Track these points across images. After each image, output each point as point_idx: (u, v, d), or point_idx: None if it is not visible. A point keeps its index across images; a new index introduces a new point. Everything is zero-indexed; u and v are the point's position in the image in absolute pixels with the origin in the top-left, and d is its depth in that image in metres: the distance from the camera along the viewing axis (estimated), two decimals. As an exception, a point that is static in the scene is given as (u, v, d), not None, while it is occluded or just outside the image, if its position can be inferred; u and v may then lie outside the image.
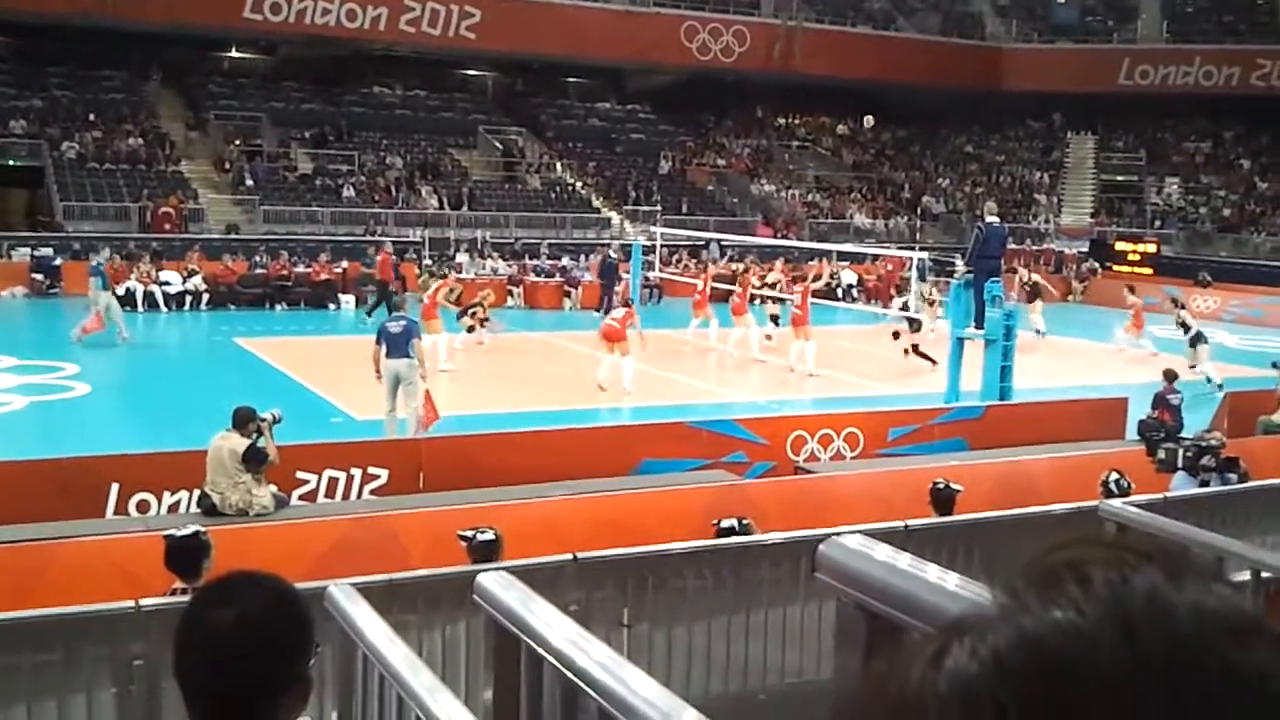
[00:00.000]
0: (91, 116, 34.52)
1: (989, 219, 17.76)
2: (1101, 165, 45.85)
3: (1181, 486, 8.57)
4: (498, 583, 2.85)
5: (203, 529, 6.74)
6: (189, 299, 26.45)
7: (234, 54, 40.45)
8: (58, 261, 27.81)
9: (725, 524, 7.68)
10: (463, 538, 7.18)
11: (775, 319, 22.05)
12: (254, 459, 9.97)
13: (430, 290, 20.75)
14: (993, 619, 0.51)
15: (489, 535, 7.17)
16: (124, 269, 25.56)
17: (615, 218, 37.32)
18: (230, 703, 1.89)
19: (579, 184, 39.15)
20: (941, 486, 8.48)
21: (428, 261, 30.58)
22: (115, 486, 10.31)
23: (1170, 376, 14.65)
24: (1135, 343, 21.87)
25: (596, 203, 38.36)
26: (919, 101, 46.85)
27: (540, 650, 2.64)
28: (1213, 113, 45.15)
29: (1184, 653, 0.48)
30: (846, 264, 32.28)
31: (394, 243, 31.80)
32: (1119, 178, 45.09)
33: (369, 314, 24.54)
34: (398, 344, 14.04)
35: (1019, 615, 0.50)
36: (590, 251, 32.06)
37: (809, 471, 12.47)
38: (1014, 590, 0.52)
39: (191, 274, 26.79)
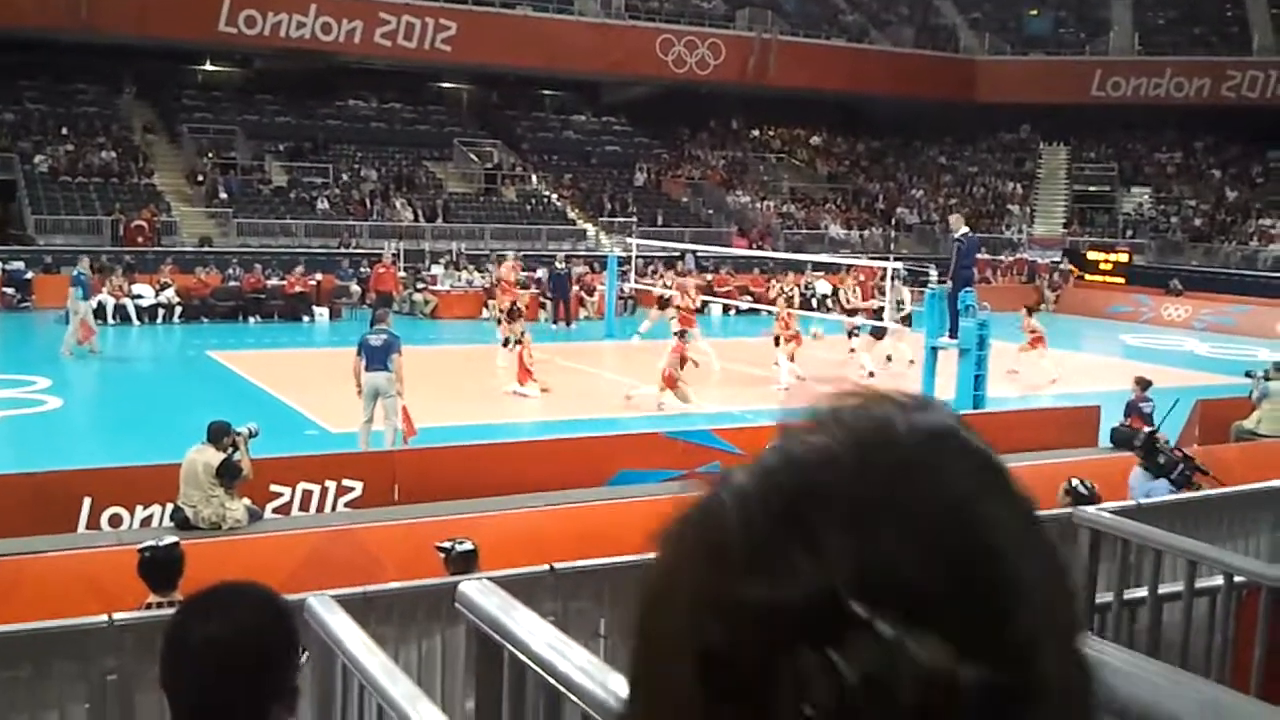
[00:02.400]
0: (64, 130, 34.31)
1: (961, 230, 17.88)
2: (1074, 175, 46.20)
3: (1156, 492, 8.60)
4: (480, 591, 2.85)
5: (179, 541, 6.70)
6: (161, 312, 26.30)
7: (208, 67, 40.31)
8: (29, 275, 27.62)
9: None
10: (441, 549, 7.16)
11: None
12: (228, 473, 9.90)
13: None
14: (771, 448, 0.64)
15: (468, 546, 7.16)
16: (96, 282, 25.38)
17: (591, 229, 37.34)
18: (220, 713, 1.89)
19: (554, 196, 39.16)
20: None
21: (402, 274, 30.53)
22: (87, 500, 10.23)
23: (1143, 384, 14.74)
24: (1038, 364, 21.98)
25: (572, 215, 38.37)
26: (893, 113, 47.13)
27: (523, 657, 2.63)
28: (1183, 123, 45.57)
29: (899, 464, 0.61)
30: (821, 274, 32.41)
31: (369, 255, 31.80)
32: (1091, 188, 45.44)
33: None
34: (377, 357, 13.99)
35: (788, 443, 0.63)
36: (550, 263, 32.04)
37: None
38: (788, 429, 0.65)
39: (164, 287, 26.64)
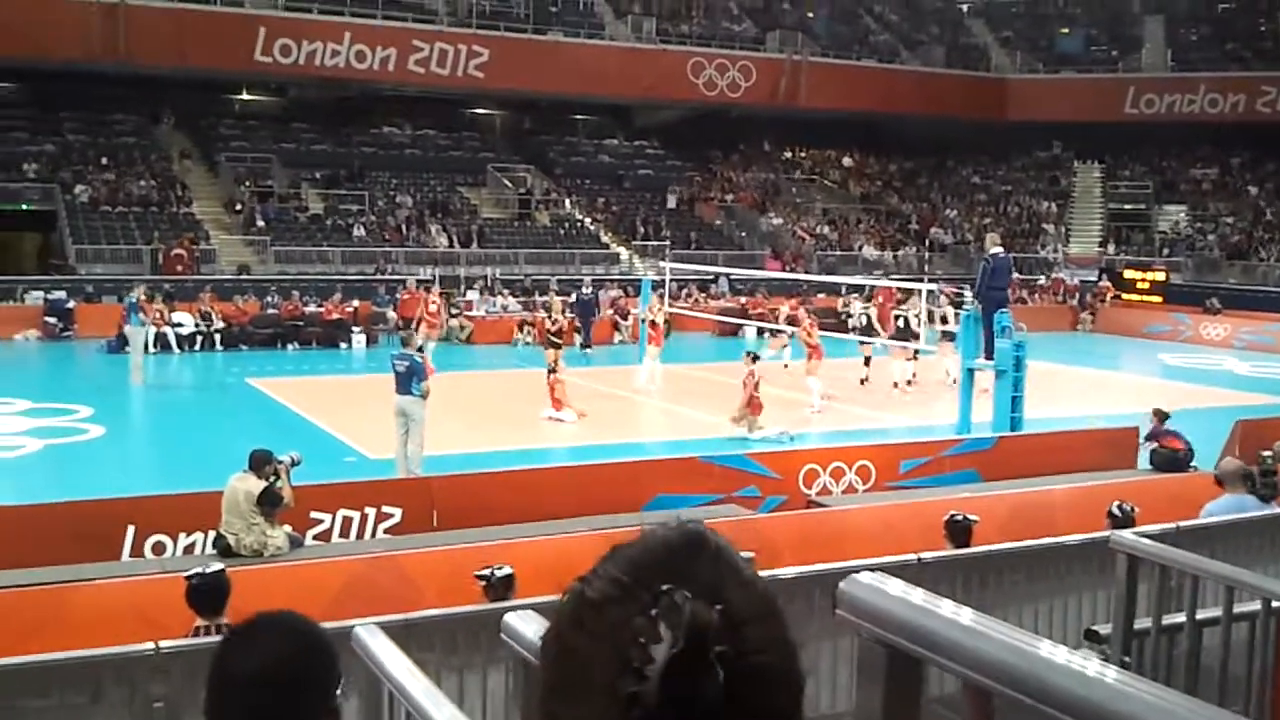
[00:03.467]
0: (104, 160, 34.83)
1: (994, 250, 17.81)
2: (1109, 194, 45.96)
3: (1245, 508, 8.34)
4: (525, 620, 2.90)
5: (224, 568, 6.80)
6: (200, 339, 26.61)
7: (245, 96, 40.82)
8: (70, 304, 28.01)
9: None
10: (480, 577, 7.22)
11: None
12: (269, 501, 10.02)
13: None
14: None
15: (506, 570, 7.22)
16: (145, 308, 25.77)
17: (624, 253, 37.49)
18: None
19: (588, 220, 39.34)
20: (959, 519, 8.44)
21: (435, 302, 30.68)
22: (131, 528, 10.37)
23: (1161, 416, 14.63)
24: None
25: (605, 238, 38.53)
26: (925, 133, 47.07)
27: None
28: (1218, 140, 45.29)
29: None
30: (856, 296, 32.33)
31: (404, 281, 32.03)
32: (1126, 206, 45.18)
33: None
34: (402, 381, 14.12)
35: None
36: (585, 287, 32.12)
37: (822, 505, 12.48)
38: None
39: (206, 317, 26.94)
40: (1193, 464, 14.25)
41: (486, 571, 7.23)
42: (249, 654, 2.01)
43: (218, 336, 26.82)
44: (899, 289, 24.13)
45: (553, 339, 20.56)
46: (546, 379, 18.61)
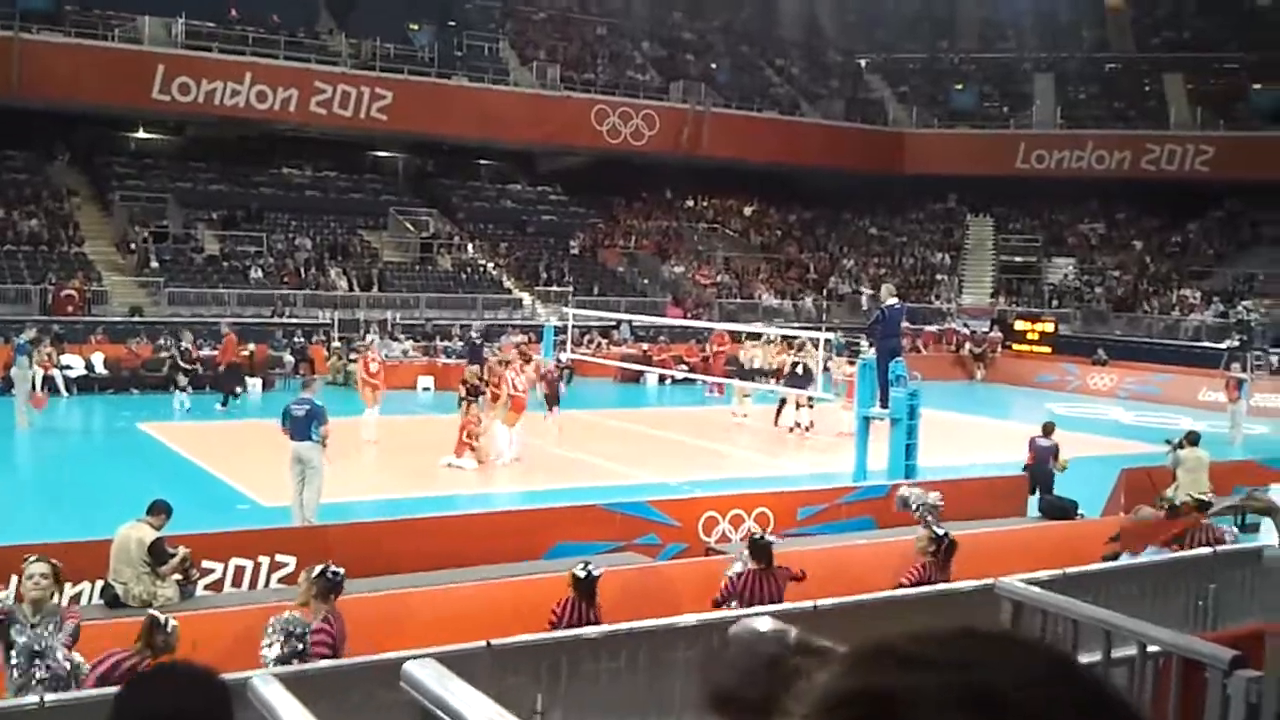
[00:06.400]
0: (-8, 197, 33.99)
1: (889, 300, 18.22)
2: (1000, 246, 47.26)
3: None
4: (423, 669, 2.94)
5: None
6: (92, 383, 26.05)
7: (141, 134, 40.17)
8: (-47, 345, 27.16)
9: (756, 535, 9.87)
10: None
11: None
12: (157, 556, 9.87)
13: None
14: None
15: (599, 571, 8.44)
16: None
17: (527, 298, 37.52)
18: None
19: (490, 265, 39.34)
20: (758, 538, 9.74)
21: (336, 344, 30.43)
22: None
23: (1047, 430, 16.16)
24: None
25: (508, 283, 38.54)
26: (824, 184, 48.02)
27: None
28: (1105, 195, 46.92)
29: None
30: (755, 344, 32.80)
31: (302, 325, 31.70)
32: (1017, 258, 46.49)
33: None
34: (300, 427, 13.93)
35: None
36: (501, 333, 32.07)
37: (721, 552, 12.58)
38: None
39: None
40: (1079, 512, 14.69)
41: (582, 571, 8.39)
42: (147, 701, 2.04)
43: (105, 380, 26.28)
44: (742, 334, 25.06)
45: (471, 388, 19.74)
46: (463, 417, 18.51)
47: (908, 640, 0.85)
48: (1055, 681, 0.82)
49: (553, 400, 21.35)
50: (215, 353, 27.92)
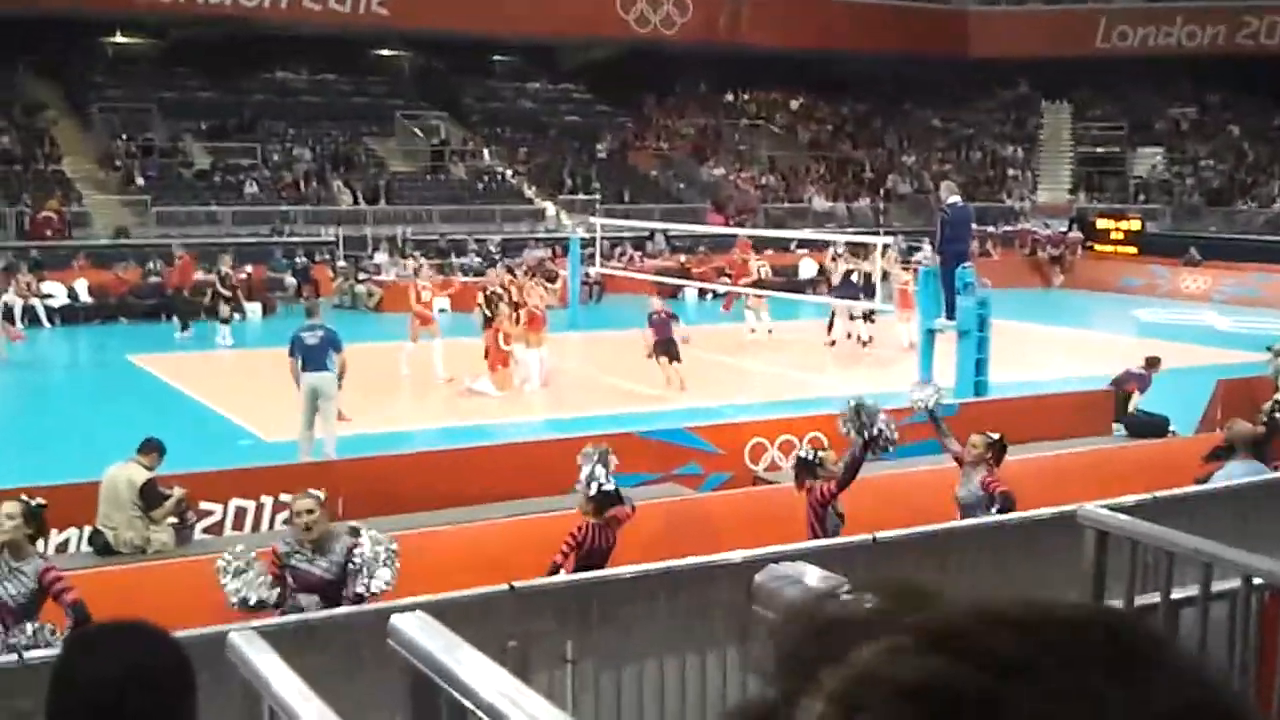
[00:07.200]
0: (-42, 113, 34.06)
1: (951, 199, 17.90)
2: (1079, 136, 46.48)
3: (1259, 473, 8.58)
4: (415, 625, 2.83)
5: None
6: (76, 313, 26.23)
7: (119, 39, 39.98)
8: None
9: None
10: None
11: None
12: (150, 498, 9.90)
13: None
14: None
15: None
16: (2, 280, 25.28)
17: (550, 209, 37.33)
18: None
19: (509, 173, 39.11)
20: (804, 456, 9.39)
21: (342, 263, 30.44)
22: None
23: (1152, 363, 15.55)
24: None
25: (529, 193, 38.34)
26: (879, 73, 47.27)
27: (467, 703, 2.61)
28: (1197, 76, 45.87)
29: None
30: (806, 252, 32.52)
31: (304, 243, 31.70)
32: (1098, 149, 45.74)
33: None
34: (314, 356, 13.93)
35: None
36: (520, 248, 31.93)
37: (770, 482, 12.49)
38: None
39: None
40: (1171, 429, 14.49)
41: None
42: (94, 659, 2.03)
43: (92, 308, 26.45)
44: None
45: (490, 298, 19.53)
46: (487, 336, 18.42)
47: (993, 625, 0.72)
48: None
49: (661, 350, 18.85)
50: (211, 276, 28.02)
